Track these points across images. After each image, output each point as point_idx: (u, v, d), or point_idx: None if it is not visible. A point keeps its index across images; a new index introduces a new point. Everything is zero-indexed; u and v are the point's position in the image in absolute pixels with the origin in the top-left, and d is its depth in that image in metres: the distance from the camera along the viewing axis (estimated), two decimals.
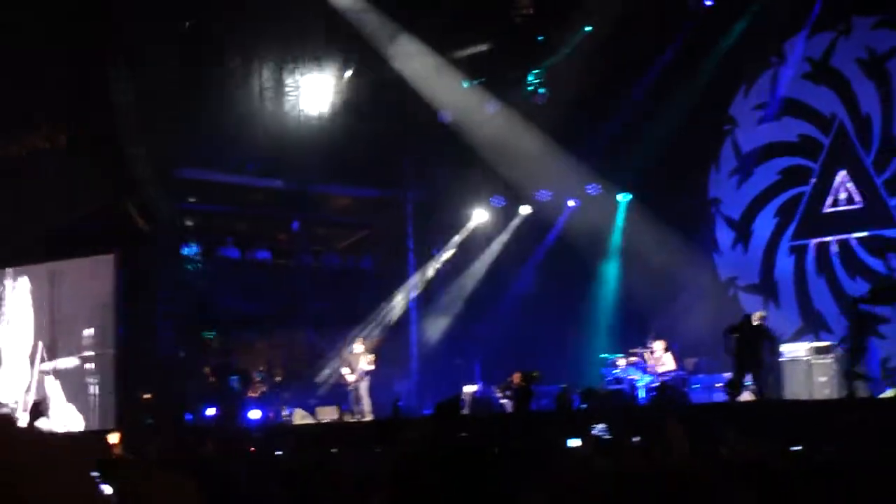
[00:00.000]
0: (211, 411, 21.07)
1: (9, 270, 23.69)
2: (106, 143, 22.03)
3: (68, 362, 22.64)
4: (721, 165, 23.85)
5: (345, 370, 22.02)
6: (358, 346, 22.17)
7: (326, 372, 23.56)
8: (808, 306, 22.11)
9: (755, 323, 18.82)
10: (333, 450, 14.93)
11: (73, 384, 22.56)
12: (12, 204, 22.43)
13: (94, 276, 22.68)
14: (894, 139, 21.32)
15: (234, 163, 23.64)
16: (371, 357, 21.88)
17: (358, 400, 21.72)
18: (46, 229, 22.35)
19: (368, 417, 21.18)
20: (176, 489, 3.45)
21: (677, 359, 20.81)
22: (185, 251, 23.64)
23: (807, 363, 19.28)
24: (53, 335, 22.95)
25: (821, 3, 21.86)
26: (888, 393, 17.14)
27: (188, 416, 20.98)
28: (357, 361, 21.86)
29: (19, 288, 23.62)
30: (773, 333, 19.27)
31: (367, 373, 21.78)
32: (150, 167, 22.08)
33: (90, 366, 22.41)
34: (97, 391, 22.27)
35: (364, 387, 21.72)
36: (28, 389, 22.89)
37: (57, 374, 22.74)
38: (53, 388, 22.68)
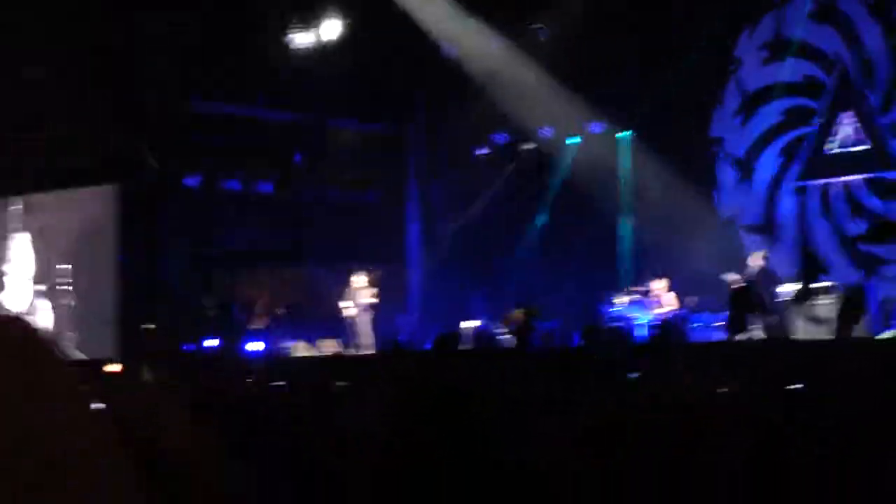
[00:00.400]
0: (212, 343, 21.23)
1: (12, 199, 23.77)
2: (115, 70, 22.09)
3: (67, 289, 22.79)
4: (725, 105, 23.89)
5: (345, 303, 22.26)
6: (359, 279, 22.35)
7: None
8: (810, 247, 22.22)
9: (759, 262, 18.99)
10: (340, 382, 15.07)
11: (70, 312, 22.73)
12: (18, 131, 22.46)
13: (96, 206, 22.80)
14: None
15: (238, 95, 23.67)
16: (373, 290, 22.11)
17: (357, 334, 21.93)
18: (52, 159, 22.39)
19: (369, 350, 21.39)
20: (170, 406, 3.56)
21: (678, 298, 21.01)
22: (188, 183, 23.76)
23: (805, 303, 19.44)
24: (53, 263, 23.06)
25: None
26: (886, 334, 17.28)
27: (188, 347, 21.14)
28: (359, 295, 22.09)
29: (20, 217, 23.71)
30: (775, 274, 19.44)
31: (370, 306, 22.02)
32: (158, 97, 22.18)
33: (89, 294, 22.56)
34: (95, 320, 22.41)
35: (366, 320, 21.97)
36: (29, 313, 23.03)
37: (55, 300, 22.89)
38: (49, 316, 22.84)
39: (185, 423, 3.93)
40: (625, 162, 24.50)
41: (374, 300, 22.11)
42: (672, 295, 20.96)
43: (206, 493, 3.46)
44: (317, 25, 24.25)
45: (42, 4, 21.60)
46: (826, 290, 19.45)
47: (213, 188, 24.20)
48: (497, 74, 24.30)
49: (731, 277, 19.58)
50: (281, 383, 15.25)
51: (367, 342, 21.83)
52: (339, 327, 22.47)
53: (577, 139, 25.19)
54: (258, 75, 23.56)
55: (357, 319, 22.06)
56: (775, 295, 19.61)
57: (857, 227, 21.45)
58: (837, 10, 22.20)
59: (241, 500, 3.89)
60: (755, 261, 20.20)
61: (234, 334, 21.79)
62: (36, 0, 21.63)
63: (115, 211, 22.56)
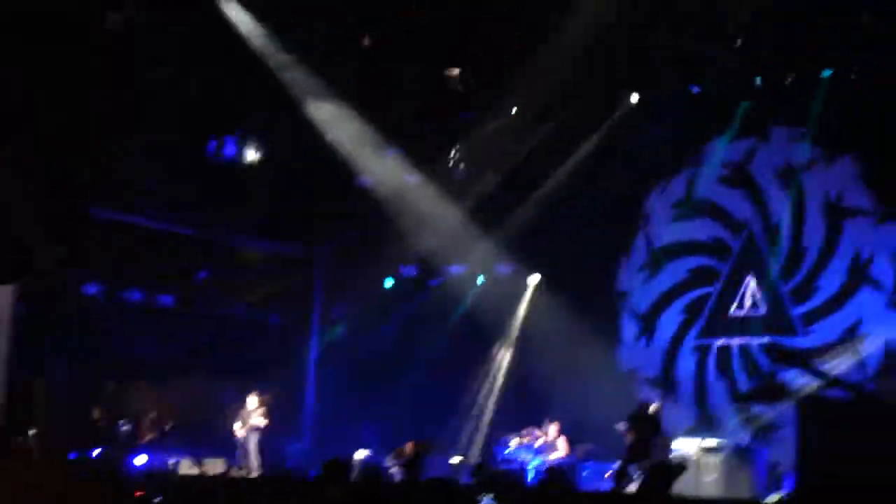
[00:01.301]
0: (96, 452, 20.94)
1: None
2: (22, 173, 21.99)
3: None
4: (632, 258, 24.34)
5: (236, 424, 22.16)
6: (252, 401, 22.27)
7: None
8: (704, 405, 22.53)
9: (649, 412, 19.22)
10: None
11: None
12: None
13: None
14: (801, 250, 21.89)
15: (147, 206, 23.66)
16: (263, 411, 22.06)
17: (246, 455, 21.85)
18: None
19: (255, 473, 21.23)
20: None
21: (569, 444, 21.15)
22: (88, 290, 23.60)
23: (695, 461, 19.65)
24: None
25: (743, 110, 22.48)
26: (771, 498, 17.50)
27: (72, 455, 20.80)
28: (249, 416, 22.03)
29: None
30: (661, 425, 19.66)
31: (258, 428, 21.96)
32: (61, 203, 22.07)
33: None
34: None
35: (253, 442, 21.88)
36: None
37: None
38: None
39: None
40: (530, 305, 24.76)
41: (264, 422, 22.04)
42: (562, 440, 21.11)
43: None
44: (234, 142, 24.44)
45: None
46: (715, 449, 19.68)
47: (113, 297, 24.04)
48: (411, 208, 24.54)
49: (622, 427, 19.77)
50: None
51: (254, 464, 21.71)
52: (229, 446, 22.29)
53: (482, 278, 25.47)
54: (168, 186, 23.57)
55: (246, 440, 21.96)
56: (668, 449, 19.82)
57: (749, 388, 21.85)
58: (748, 176, 22.79)
59: None
60: (649, 411, 20.47)
61: (120, 446, 21.52)
62: None
63: (9, 310, 22.22)
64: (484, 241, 24.72)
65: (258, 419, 22.02)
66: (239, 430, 22.07)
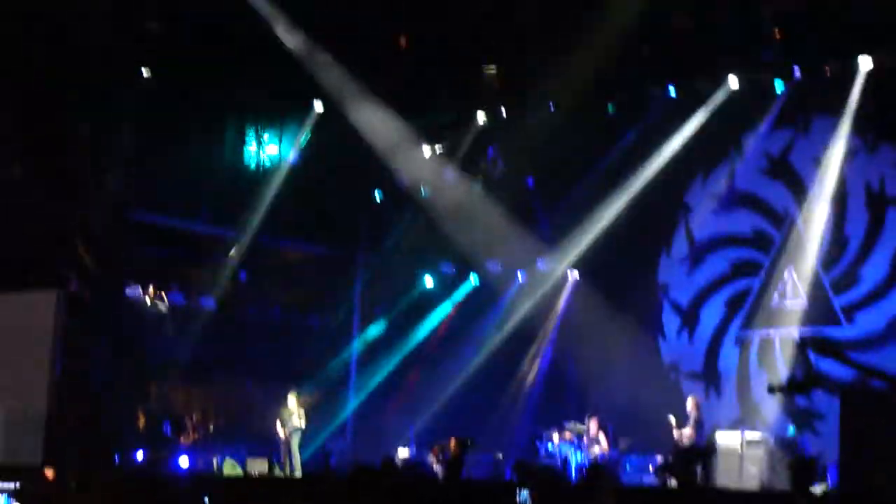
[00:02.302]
0: (140, 455, 21.17)
1: None
2: (62, 178, 22.24)
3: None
4: (673, 250, 24.32)
5: (277, 424, 22.34)
6: (292, 401, 22.46)
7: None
8: (747, 398, 22.46)
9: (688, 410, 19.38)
10: None
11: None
12: None
13: (35, 310, 22.66)
14: (843, 240, 21.82)
15: (188, 209, 23.86)
16: (303, 412, 22.28)
17: (287, 454, 22.03)
18: None
19: (297, 473, 21.39)
20: None
21: (610, 439, 21.16)
22: (130, 294, 23.84)
23: (739, 453, 19.67)
24: None
25: (783, 100, 22.41)
26: (815, 490, 17.43)
27: (116, 458, 21.05)
28: (290, 416, 22.22)
29: None
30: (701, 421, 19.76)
31: (298, 429, 22.15)
32: (104, 206, 22.31)
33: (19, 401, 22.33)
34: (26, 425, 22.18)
35: (295, 442, 22.07)
36: None
37: None
38: None
39: None
40: (571, 300, 24.78)
41: (303, 423, 22.23)
42: (602, 435, 21.14)
43: None
44: (271, 144, 24.67)
45: None
46: (759, 442, 19.70)
47: (155, 300, 24.27)
48: (449, 206, 24.65)
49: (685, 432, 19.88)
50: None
51: (296, 464, 21.88)
52: (271, 446, 22.46)
53: (524, 275, 25.52)
54: (206, 191, 23.79)
55: (287, 440, 22.14)
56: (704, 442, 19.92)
57: (791, 380, 21.74)
58: (789, 167, 22.72)
59: None
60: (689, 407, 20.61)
61: (164, 448, 21.73)
62: None
63: (54, 316, 22.40)
64: (523, 238, 24.74)
65: (298, 420, 22.21)
66: (281, 429, 22.28)
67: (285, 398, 22.61)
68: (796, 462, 16.75)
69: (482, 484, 18.92)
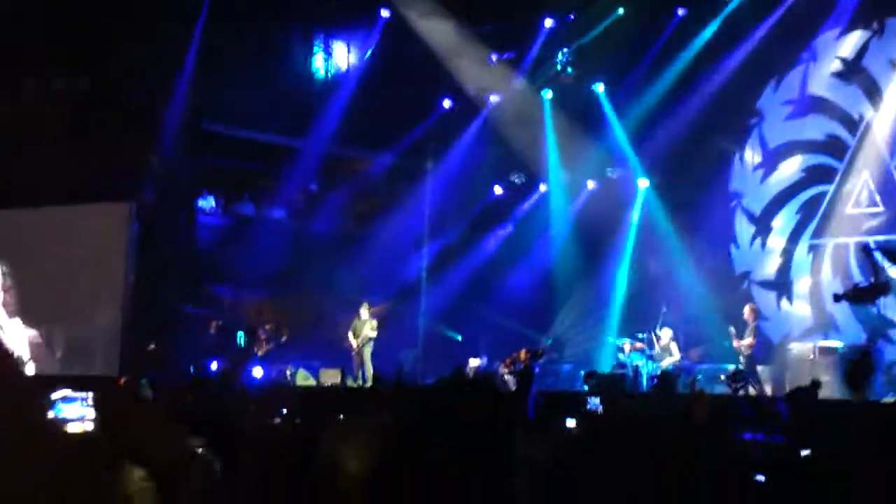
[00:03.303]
0: (214, 366, 21.46)
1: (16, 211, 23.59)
2: (132, 89, 22.45)
3: (75, 307, 22.88)
4: (745, 159, 24.13)
5: (350, 334, 22.61)
6: (364, 312, 22.67)
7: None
8: (821, 306, 22.36)
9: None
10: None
11: (78, 331, 22.86)
12: (29, 144, 22.76)
13: (108, 222, 22.94)
14: None
15: (258, 120, 23.98)
16: (375, 323, 22.47)
17: (360, 365, 22.30)
18: (62, 173, 22.59)
19: (369, 383, 21.63)
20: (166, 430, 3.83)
21: (682, 349, 21.25)
22: (201, 204, 24.10)
23: (812, 362, 19.67)
24: (58, 279, 22.95)
25: (855, 2, 22.08)
26: (888, 399, 17.43)
27: (191, 369, 21.38)
28: (362, 327, 22.44)
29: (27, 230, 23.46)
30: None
31: (371, 339, 22.37)
32: (174, 117, 22.53)
33: (96, 312, 22.70)
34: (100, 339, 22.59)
35: (367, 353, 22.31)
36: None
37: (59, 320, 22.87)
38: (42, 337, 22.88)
39: (181, 439, 4.22)
40: (642, 209, 24.70)
41: (375, 333, 22.44)
42: (674, 345, 21.20)
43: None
44: (339, 53, 24.68)
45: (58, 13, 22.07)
46: (832, 350, 19.69)
47: (227, 210, 24.55)
48: (517, 115, 24.60)
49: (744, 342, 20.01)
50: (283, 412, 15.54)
51: (369, 373, 22.11)
52: (343, 357, 22.72)
53: (596, 183, 25.46)
54: (276, 101, 23.86)
55: (360, 351, 22.39)
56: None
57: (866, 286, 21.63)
58: (863, 70, 22.44)
59: None
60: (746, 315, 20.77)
61: (238, 359, 22.02)
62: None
63: (127, 228, 22.65)
64: (593, 146, 24.68)
65: (370, 331, 22.43)
66: (353, 339, 22.52)
67: (357, 309, 22.84)
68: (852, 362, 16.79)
69: (553, 393, 19.05)
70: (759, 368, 20.46)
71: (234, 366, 21.29)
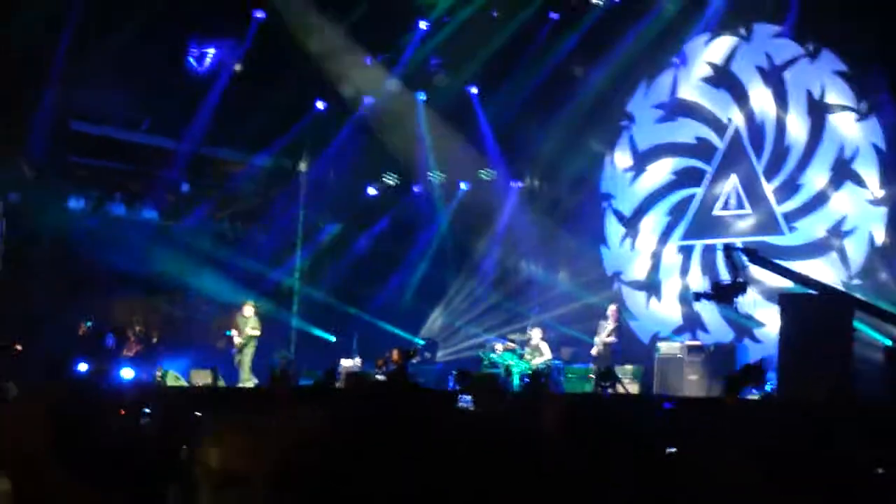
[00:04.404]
0: (82, 367, 21.12)
1: None
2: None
3: None
4: (616, 161, 24.42)
5: (233, 332, 22.15)
6: (248, 309, 22.29)
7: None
8: (689, 306, 22.69)
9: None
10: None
11: None
12: None
13: None
14: (785, 149, 22.00)
15: (128, 120, 23.69)
16: (257, 322, 22.13)
17: (241, 365, 21.92)
18: None
19: (249, 384, 21.43)
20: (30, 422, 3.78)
21: (553, 348, 21.44)
22: (72, 204, 23.76)
23: (680, 361, 20.01)
24: None
25: (724, 7, 22.48)
26: (754, 395, 17.74)
27: (59, 371, 21.03)
28: (244, 325, 22.07)
29: None
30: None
31: (252, 337, 22.03)
32: (42, 118, 22.17)
33: None
34: None
35: (248, 352, 21.95)
36: None
37: None
38: None
39: (45, 440, 4.15)
40: (513, 210, 24.90)
41: (258, 332, 22.16)
42: (545, 344, 21.36)
43: None
44: (211, 53, 24.45)
45: None
46: (700, 349, 20.04)
47: (97, 210, 24.20)
48: (391, 116, 24.62)
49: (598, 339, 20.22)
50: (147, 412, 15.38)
51: (245, 375, 21.87)
52: (215, 358, 22.51)
53: (467, 185, 25.60)
54: (147, 101, 23.60)
55: (242, 349, 22.04)
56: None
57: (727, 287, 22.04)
58: (732, 75, 22.83)
59: None
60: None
61: (106, 360, 21.70)
62: None
63: None
64: (466, 148, 24.79)
65: (252, 329, 22.07)
66: (236, 338, 22.07)
67: (243, 307, 22.48)
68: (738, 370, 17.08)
69: (424, 392, 19.07)
70: (630, 368, 20.68)
71: (103, 367, 21.00)
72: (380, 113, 24.87)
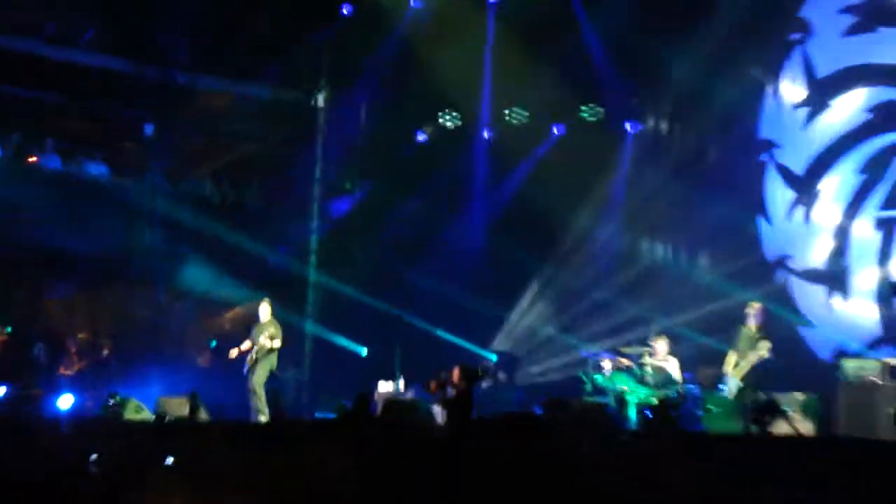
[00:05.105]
0: (1, 391, 21.19)
1: None
2: None
3: None
4: (783, 93, 24.12)
5: (244, 345, 21.42)
6: (265, 312, 21.61)
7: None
8: (892, 306, 22.34)
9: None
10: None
11: None
12: None
13: None
14: None
15: (65, 32, 23.85)
16: (274, 330, 21.38)
17: (251, 391, 21.20)
18: None
19: (263, 417, 21.02)
20: None
21: (686, 367, 21.11)
22: None
23: (876, 388, 19.59)
24: None
25: None
26: None
27: None
28: (258, 333, 21.36)
29: None
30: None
31: (269, 351, 21.32)
32: None
33: None
34: None
35: (261, 373, 21.09)
36: None
37: None
38: None
39: None
40: (629, 164, 24.84)
41: (273, 343, 21.41)
42: (675, 361, 21.02)
43: None
44: None
45: None
46: None
47: (21, 164, 24.32)
48: (449, 24, 24.60)
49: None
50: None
51: (258, 403, 21.26)
52: (194, 378, 22.38)
53: (560, 129, 25.59)
54: (101, 8, 23.83)
55: (253, 368, 21.37)
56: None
57: None
58: None
59: None
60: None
61: (34, 383, 21.78)
62: None
63: None
64: (561, 74, 24.71)
65: (266, 339, 21.30)
66: (244, 352, 21.41)
67: (261, 305, 21.90)
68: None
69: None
70: (800, 397, 20.33)
71: (29, 391, 21.05)
72: (432, 22, 24.83)
